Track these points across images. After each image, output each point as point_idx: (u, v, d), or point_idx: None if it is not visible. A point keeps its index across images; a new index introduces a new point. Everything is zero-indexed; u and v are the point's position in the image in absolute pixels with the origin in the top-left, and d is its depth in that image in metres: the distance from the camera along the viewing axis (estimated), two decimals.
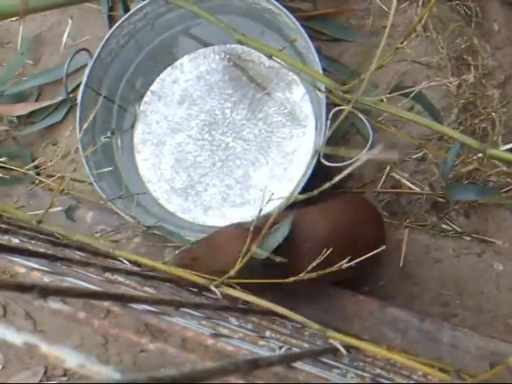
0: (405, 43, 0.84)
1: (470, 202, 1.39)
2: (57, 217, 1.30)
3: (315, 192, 0.80)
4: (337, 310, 1.27)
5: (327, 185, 0.80)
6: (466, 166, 1.38)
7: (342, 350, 0.76)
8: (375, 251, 0.88)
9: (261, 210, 0.91)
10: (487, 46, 1.43)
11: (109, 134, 1.47)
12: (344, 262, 0.87)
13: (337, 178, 0.72)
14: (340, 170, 1.31)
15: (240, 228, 1.17)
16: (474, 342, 1.20)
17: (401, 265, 1.38)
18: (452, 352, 1.20)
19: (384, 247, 0.89)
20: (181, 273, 0.95)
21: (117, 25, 1.41)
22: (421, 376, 0.84)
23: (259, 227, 0.96)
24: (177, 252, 1.16)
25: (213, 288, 0.91)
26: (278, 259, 0.99)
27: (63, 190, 1.43)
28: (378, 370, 0.80)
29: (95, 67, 1.41)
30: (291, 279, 0.90)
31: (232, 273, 0.91)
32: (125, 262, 1.01)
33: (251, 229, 0.91)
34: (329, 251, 0.90)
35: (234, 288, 0.93)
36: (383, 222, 1.33)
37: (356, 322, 1.26)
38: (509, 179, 1.36)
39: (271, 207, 1.38)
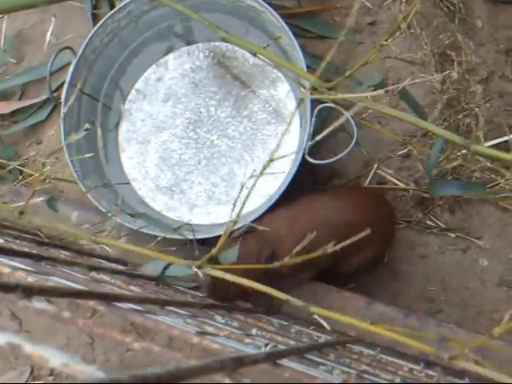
0: (389, 40, 0.84)
1: (455, 198, 1.39)
2: (41, 217, 1.30)
3: None
4: (322, 307, 1.27)
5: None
6: (451, 162, 1.38)
7: (326, 325, 0.76)
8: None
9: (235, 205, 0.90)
10: (470, 43, 1.44)
11: (87, 125, 1.46)
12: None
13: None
14: (325, 167, 1.31)
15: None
16: (459, 337, 1.21)
17: (385, 261, 1.39)
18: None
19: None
20: (160, 255, 0.93)
21: (100, 23, 1.40)
22: (406, 371, 0.84)
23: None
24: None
25: (194, 269, 0.90)
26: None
27: (45, 179, 1.42)
28: (364, 367, 0.81)
29: (79, 65, 1.41)
30: (277, 264, 0.89)
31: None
32: (108, 255, 1.01)
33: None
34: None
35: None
36: (395, 216, 1.36)
37: None
38: (493, 175, 1.37)
39: (256, 203, 1.39)
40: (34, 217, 1.00)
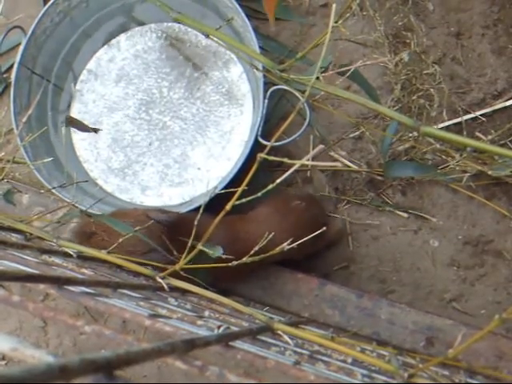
0: (340, 22, 0.84)
1: (407, 180, 1.41)
2: None
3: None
4: (276, 289, 1.28)
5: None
6: (403, 144, 1.40)
7: (289, 341, 0.77)
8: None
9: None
10: (422, 26, 1.45)
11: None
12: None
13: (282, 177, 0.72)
14: (278, 148, 1.31)
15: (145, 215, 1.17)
16: (410, 317, 1.22)
17: (339, 243, 1.40)
18: (389, 327, 1.22)
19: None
20: (126, 263, 0.94)
21: (51, 2, 1.38)
22: (358, 351, 0.85)
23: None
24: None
25: (159, 279, 0.91)
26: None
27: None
28: (316, 347, 0.81)
29: (29, 45, 1.38)
30: (236, 262, 0.90)
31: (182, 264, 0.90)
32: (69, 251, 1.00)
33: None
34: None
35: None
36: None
37: (295, 300, 1.27)
38: (443, 156, 1.38)
39: (209, 185, 1.38)
40: None
